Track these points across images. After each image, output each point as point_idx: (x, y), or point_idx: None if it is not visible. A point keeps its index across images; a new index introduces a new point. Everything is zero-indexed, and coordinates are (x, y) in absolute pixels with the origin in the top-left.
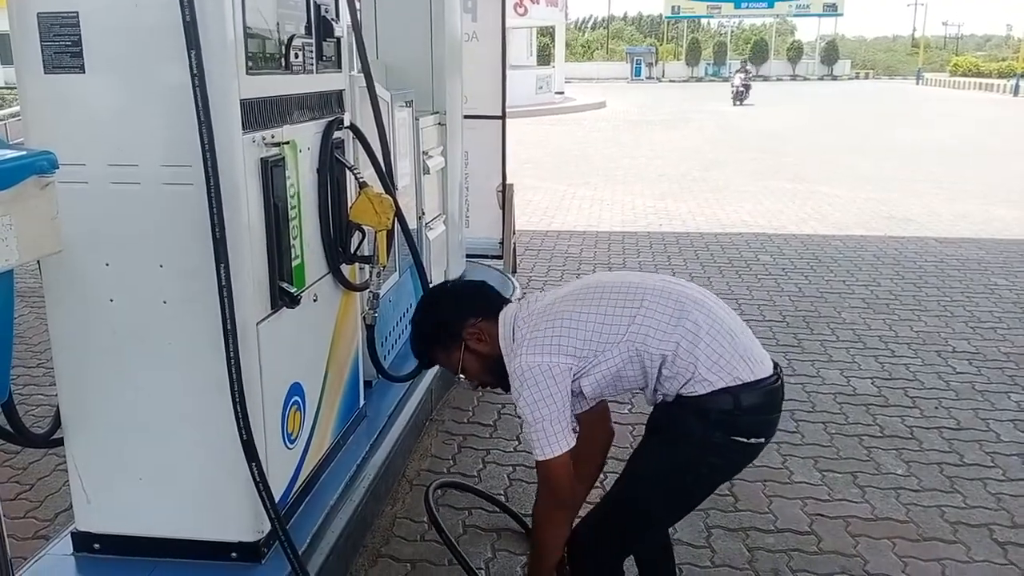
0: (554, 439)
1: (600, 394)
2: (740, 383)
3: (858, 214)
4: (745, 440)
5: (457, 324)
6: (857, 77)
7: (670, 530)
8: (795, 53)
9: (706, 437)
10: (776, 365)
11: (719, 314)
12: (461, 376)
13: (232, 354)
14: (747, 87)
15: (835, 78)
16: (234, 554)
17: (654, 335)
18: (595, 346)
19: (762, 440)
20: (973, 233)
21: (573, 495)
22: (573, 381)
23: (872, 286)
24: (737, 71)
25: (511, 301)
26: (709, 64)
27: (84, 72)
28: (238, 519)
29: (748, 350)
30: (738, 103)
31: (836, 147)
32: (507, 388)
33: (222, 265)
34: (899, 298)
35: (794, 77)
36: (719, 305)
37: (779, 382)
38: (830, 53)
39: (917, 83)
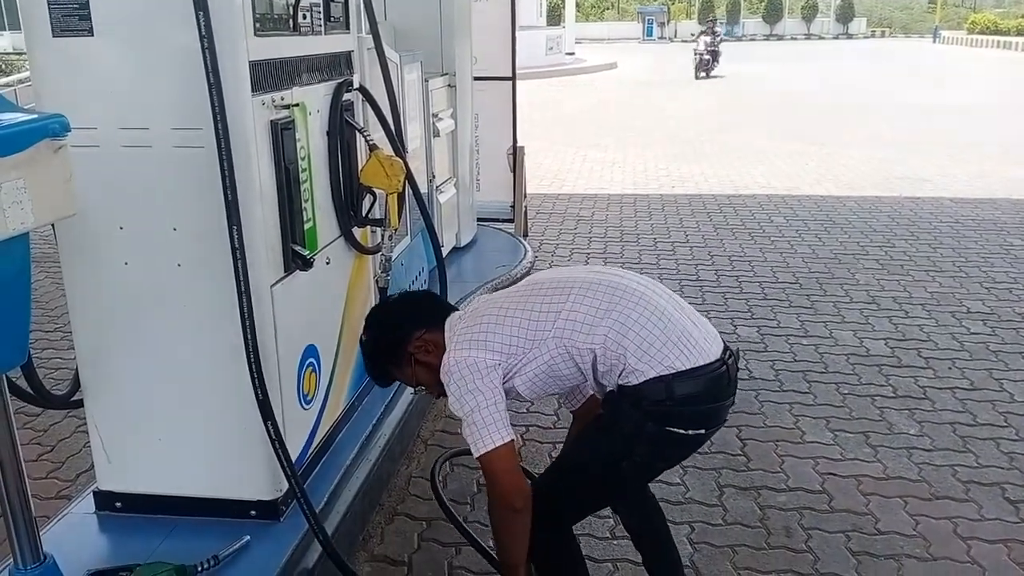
0: (486, 431)
1: (539, 393)
2: (673, 372)
3: (873, 175)
4: (682, 431)
5: (402, 339)
6: (873, 35)
7: (681, 489)
8: (810, 11)
9: (639, 427)
10: (726, 350)
11: (654, 302)
12: (422, 389)
13: (247, 315)
14: (714, 54)
15: (850, 36)
16: (253, 512)
17: (580, 329)
18: (522, 343)
19: (701, 431)
20: (989, 193)
21: (518, 488)
22: (505, 381)
23: (886, 247)
24: (702, 32)
25: (457, 308)
26: (722, 23)
27: (92, 35)
28: (256, 478)
29: (685, 337)
30: (702, 75)
31: (851, 107)
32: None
33: (235, 227)
34: (913, 259)
35: (808, 36)
36: (658, 293)
37: (723, 367)
38: (845, 11)
39: (934, 41)
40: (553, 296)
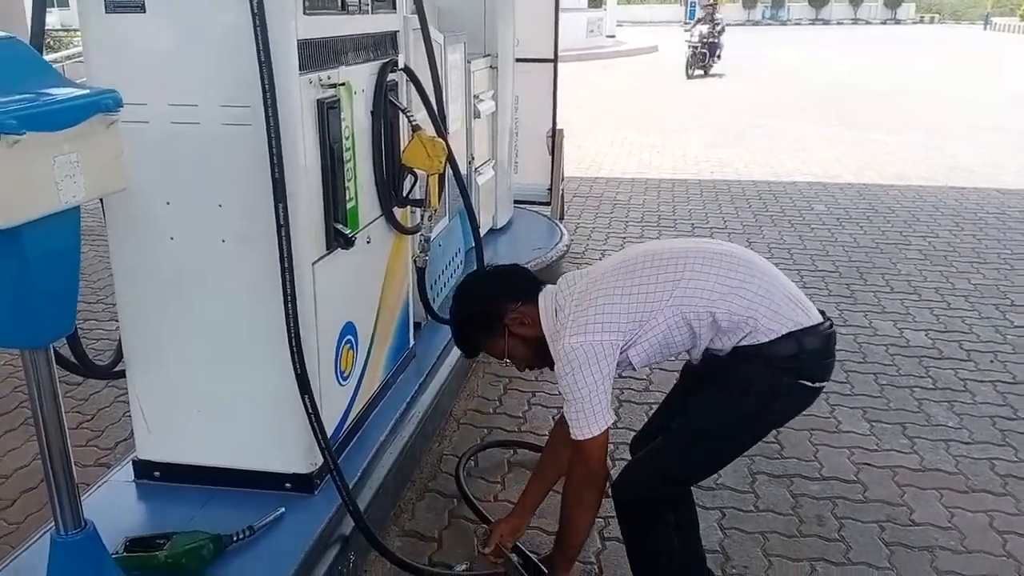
0: (595, 419)
1: (648, 362)
2: (801, 327)
3: (918, 163)
4: (810, 384)
5: (498, 311)
6: (921, 21)
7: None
8: None
9: (775, 383)
10: (823, 312)
11: (764, 266)
12: (507, 361)
13: (289, 291)
14: (712, 47)
15: (898, 22)
16: (288, 485)
17: (701, 295)
18: (639, 316)
19: (822, 384)
20: None
21: (605, 473)
22: (620, 353)
23: (930, 237)
24: (698, 20)
25: (545, 284)
26: (767, 7)
27: (144, 11)
28: (292, 451)
29: (799, 297)
30: (698, 72)
31: (897, 95)
32: (553, 368)
33: (280, 205)
34: (957, 250)
35: (856, 21)
36: (761, 259)
37: (832, 327)
38: None
39: (985, 28)
40: (667, 265)
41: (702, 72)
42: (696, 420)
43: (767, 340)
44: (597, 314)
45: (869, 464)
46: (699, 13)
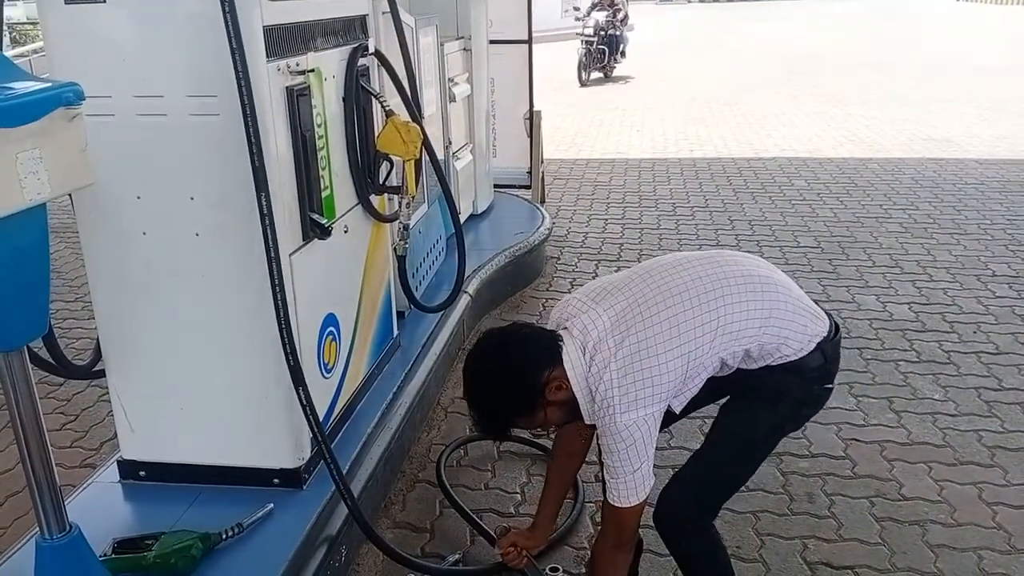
0: (639, 488)
1: (686, 403)
2: (822, 338)
3: (895, 136)
4: (831, 386)
5: (537, 385)
6: None
7: None
8: None
9: (807, 391)
10: (828, 313)
11: (782, 280)
12: (541, 432)
13: (276, 282)
14: (613, 41)
15: None
16: (276, 480)
17: (737, 336)
18: (686, 373)
19: (833, 385)
20: (1015, 154)
21: (636, 536)
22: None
23: (910, 210)
24: (594, 5)
25: (556, 331)
26: None
27: (104, 2)
28: (279, 446)
29: (813, 307)
30: (595, 74)
31: (873, 68)
32: (580, 419)
33: (263, 195)
34: (938, 222)
35: None
36: (775, 271)
37: (839, 331)
38: None
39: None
40: (701, 304)
41: (601, 75)
42: (734, 431)
43: (796, 358)
44: (646, 385)
45: (857, 440)
46: None
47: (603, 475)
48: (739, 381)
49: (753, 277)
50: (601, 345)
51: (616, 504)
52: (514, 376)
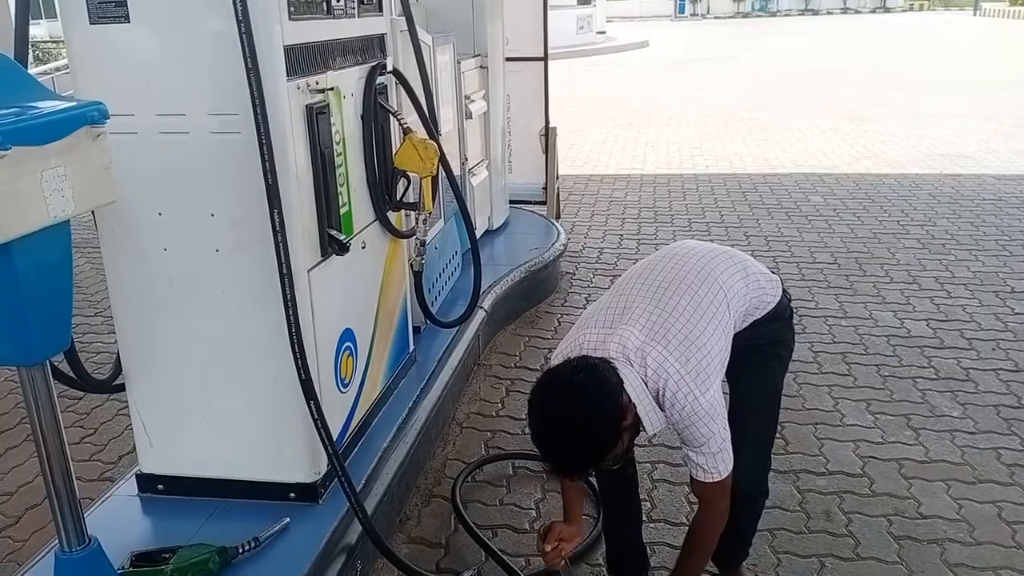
0: (730, 455)
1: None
2: (778, 282)
3: (912, 152)
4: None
5: (620, 415)
6: (911, 8)
7: None
8: None
9: (792, 332)
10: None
11: (728, 248)
12: (617, 463)
13: (289, 299)
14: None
15: (888, 10)
16: (292, 494)
17: (738, 295)
18: (728, 347)
19: None
20: None
21: None
22: None
23: (928, 226)
24: None
25: (606, 353)
26: None
27: (129, 21)
28: (296, 460)
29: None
30: None
31: (890, 84)
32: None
33: (276, 211)
34: (956, 238)
35: (845, 10)
36: (715, 244)
37: None
38: None
39: (975, 14)
40: (703, 287)
41: None
42: (765, 388)
43: (775, 304)
44: (708, 363)
45: (875, 457)
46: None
47: (694, 461)
48: (739, 347)
49: (714, 250)
50: (647, 348)
51: (718, 479)
52: (605, 417)
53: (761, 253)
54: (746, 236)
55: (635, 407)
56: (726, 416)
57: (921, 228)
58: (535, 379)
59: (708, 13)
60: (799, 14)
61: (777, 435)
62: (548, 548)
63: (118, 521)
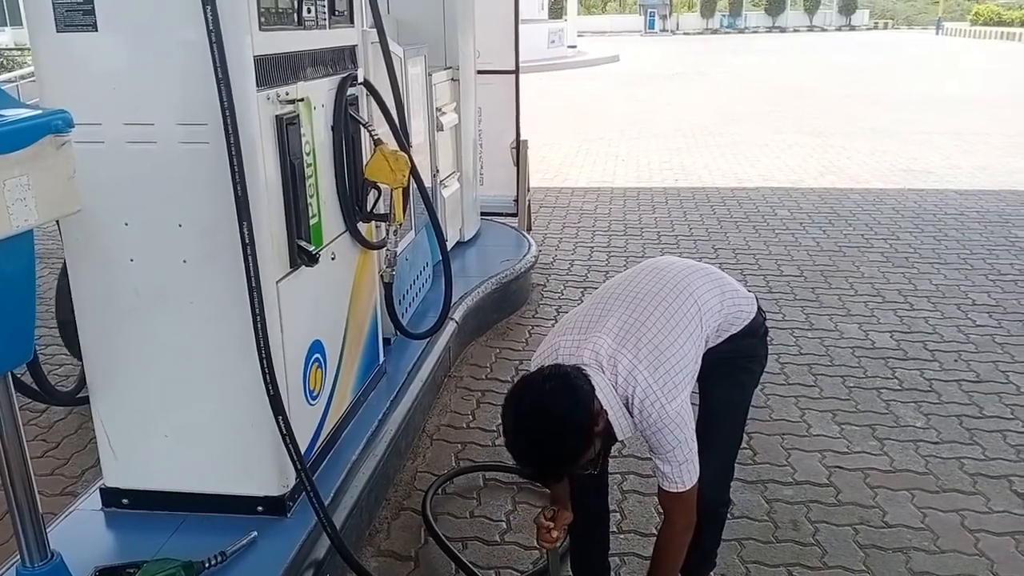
0: (696, 466)
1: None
2: (752, 298)
3: (876, 167)
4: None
5: (591, 422)
6: (875, 27)
7: None
8: (812, 3)
9: (765, 347)
10: None
11: (706, 265)
12: (592, 470)
13: (258, 310)
14: None
15: (853, 28)
16: (260, 508)
17: (712, 310)
18: (698, 355)
19: None
20: (994, 185)
21: None
22: None
23: (891, 239)
24: None
25: (578, 361)
26: (724, 15)
27: (97, 29)
28: (263, 474)
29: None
30: None
31: (854, 100)
32: (614, 440)
33: (244, 223)
34: (918, 251)
35: (811, 28)
36: (693, 261)
37: None
38: (848, 3)
39: (937, 33)
40: (678, 300)
41: None
42: (733, 402)
43: (750, 320)
44: (678, 372)
45: (840, 467)
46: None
47: (660, 471)
48: (712, 360)
49: (692, 267)
50: (618, 356)
51: (682, 489)
52: (574, 427)
53: (729, 266)
54: (714, 249)
55: (607, 413)
56: (694, 427)
57: (885, 242)
58: (506, 390)
59: (678, 29)
60: (767, 31)
61: (745, 445)
62: (556, 533)
63: (82, 536)
